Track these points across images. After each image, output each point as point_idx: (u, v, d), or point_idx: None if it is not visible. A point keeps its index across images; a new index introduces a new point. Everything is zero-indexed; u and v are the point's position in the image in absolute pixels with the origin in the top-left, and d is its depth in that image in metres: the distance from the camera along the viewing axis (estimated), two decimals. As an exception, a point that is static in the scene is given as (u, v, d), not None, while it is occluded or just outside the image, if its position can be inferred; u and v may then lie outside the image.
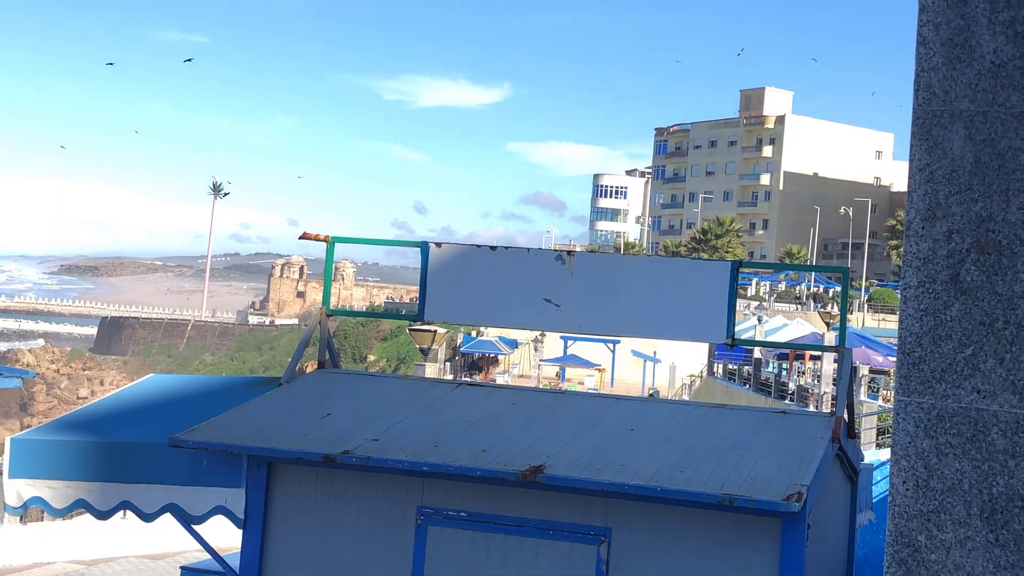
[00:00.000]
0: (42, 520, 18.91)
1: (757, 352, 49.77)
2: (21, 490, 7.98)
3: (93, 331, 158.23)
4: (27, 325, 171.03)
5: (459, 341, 70.36)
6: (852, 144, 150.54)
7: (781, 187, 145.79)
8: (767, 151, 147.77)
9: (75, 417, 8.44)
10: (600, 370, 64.96)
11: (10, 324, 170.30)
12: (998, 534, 3.54)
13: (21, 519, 18.72)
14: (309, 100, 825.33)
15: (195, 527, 8.11)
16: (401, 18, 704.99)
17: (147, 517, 7.90)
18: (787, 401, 43.52)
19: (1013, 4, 3.62)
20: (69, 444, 7.95)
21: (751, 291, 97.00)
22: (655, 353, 63.46)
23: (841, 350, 7.51)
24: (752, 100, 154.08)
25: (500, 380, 59.01)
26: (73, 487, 7.88)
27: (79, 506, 7.95)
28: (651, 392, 59.00)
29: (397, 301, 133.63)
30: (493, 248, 8.16)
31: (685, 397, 57.21)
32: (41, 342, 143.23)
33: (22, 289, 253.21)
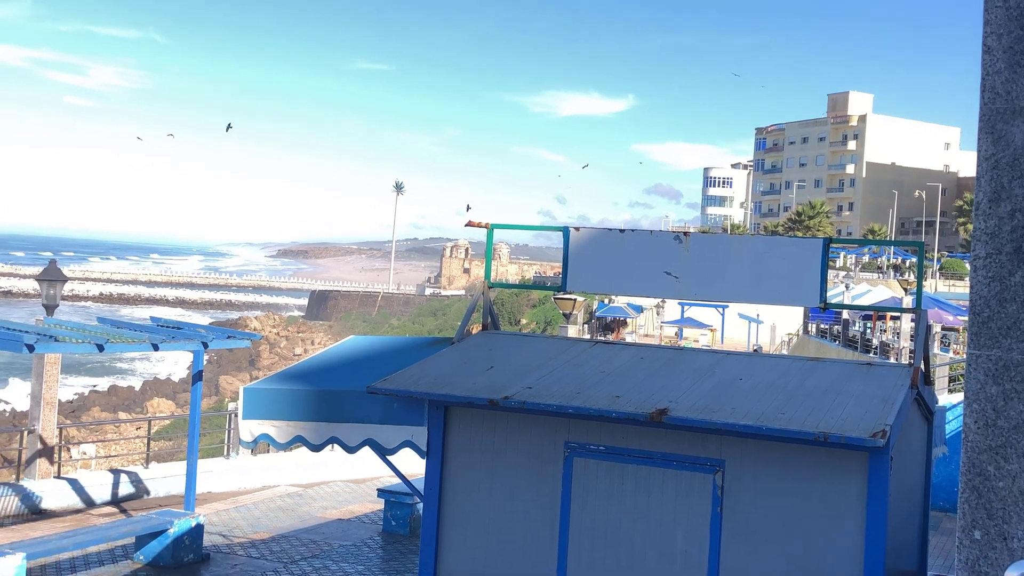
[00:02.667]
0: (268, 452, 19.51)
1: (845, 314, 48.69)
2: (252, 428, 8.25)
3: (304, 302, 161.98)
4: (254, 298, 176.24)
5: (595, 307, 70.19)
6: (924, 137, 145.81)
7: (864, 175, 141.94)
8: (851, 145, 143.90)
9: (293, 370, 8.68)
10: (712, 330, 64.09)
11: (241, 297, 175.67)
12: (1057, 466, 3.42)
13: (252, 451, 19.34)
14: (471, 113, 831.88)
15: (388, 457, 8.29)
16: (545, 44, 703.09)
17: (350, 449, 8.10)
18: (871, 355, 42.44)
19: (1068, 15, 3.48)
20: (289, 392, 8.18)
21: (839, 263, 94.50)
22: (758, 315, 62.41)
23: (917, 311, 7.31)
24: (838, 102, 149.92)
25: (629, 339, 58.77)
26: (293, 425, 8.11)
27: (297, 441, 8.18)
28: (755, 348, 58.09)
29: (544, 275, 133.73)
30: (622, 231, 8.12)
31: (784, 352, 56.20)
32: (265, 311, 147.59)
33: (255, 270, 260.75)
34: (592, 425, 6.78)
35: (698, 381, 6.85)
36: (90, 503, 15.83)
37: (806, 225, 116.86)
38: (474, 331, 8.48)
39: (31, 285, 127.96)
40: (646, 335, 68.33)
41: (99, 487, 16.10)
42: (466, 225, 8.85)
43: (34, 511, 15.10)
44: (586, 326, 68.32)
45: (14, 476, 16.61)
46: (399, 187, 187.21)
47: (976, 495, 3.57)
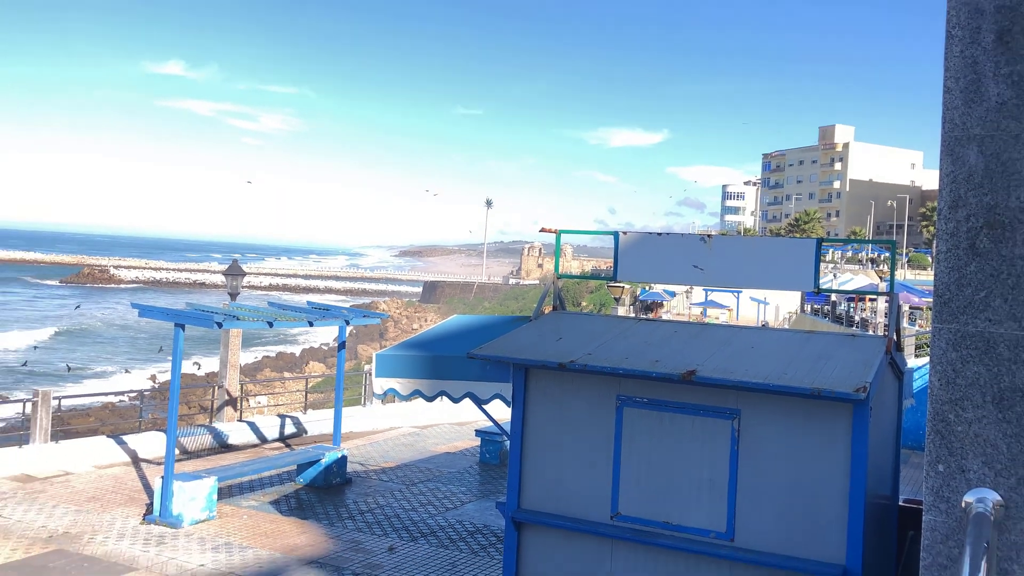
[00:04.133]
0: (394, 402, 19.78)
1: (833, 297, 47.67)
2: (382, 384, 8.37)
3: (419, 290, 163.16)
4: (383, 287, 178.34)
5: (639, 293, 69.67)
6: (895, 159, 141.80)
7: (847, 189, 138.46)
8: (838, 166, 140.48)
9: (412, 341, 8.78)
10: (729, 310, 63.11)
11: (373, 286, 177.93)
12: (1004, 414, 3.36)
13: (382, 402, 19.62)
14: (542, 146, 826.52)
15: (484, 406, 8.35)
16: (599, 91, 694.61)
17: (455, 400, 8.17)
18: (854, 328, 41.46)
19: (1010, 62, 3.42)
20: (409, 357, 8.28)
21: (829, 257, 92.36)
22: (765, 298, 61.33)
23: (890, 294, 7.13)
24: (827, 133, 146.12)
25: (664, 317, 58.20)
26: (412, 382, 8.21)
27: (416, 394, 8.27)
28: (763, 324, 57.10)
29: (599, 269, 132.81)
30: (659, 234, 8.05)
31: (786, 326, 55.15)
32: (391, 297, 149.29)
33: (384, 265, 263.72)
34: (638, 382, 6.75)
35: (719, 349, 6.78)
36: (263, 440, 16.24)
37: (802, 229, 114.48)
38: (546, 311, 8.50)
39: (219, 278, 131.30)
40: (678, 314, 67.53)
41: (270, 428, 16.50)
42: (540, 231, 8.86)
43: (223, 446, 15.55)
44: (631, 307, 67.79)
45: (208, 420, 17.10)
46: (489, 203, 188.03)
47: (940, 437, 3.50)
